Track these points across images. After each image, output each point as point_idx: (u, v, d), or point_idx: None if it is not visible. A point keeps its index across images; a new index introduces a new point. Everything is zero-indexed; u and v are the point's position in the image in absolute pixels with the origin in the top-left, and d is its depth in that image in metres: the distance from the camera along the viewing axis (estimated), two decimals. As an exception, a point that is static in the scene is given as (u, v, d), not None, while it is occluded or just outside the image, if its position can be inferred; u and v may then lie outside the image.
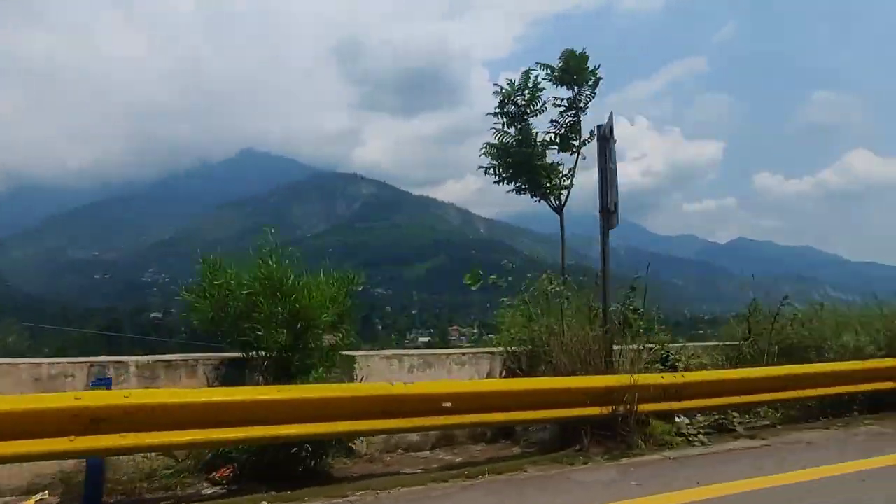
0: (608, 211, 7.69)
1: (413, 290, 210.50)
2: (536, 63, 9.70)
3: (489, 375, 7.96)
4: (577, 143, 9.77)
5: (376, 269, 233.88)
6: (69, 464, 5.16)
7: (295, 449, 5.49)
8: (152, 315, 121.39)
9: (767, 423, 8.15)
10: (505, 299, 8.93)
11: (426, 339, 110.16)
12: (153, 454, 5.42)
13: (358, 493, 5.01)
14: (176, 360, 6.35)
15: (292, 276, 6.32)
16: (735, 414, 7.79)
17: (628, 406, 6.37)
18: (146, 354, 6.86)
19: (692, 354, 8.40)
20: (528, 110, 9.75)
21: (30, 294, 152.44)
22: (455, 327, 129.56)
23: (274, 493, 5.02)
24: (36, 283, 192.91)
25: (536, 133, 9.83)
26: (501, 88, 9.67)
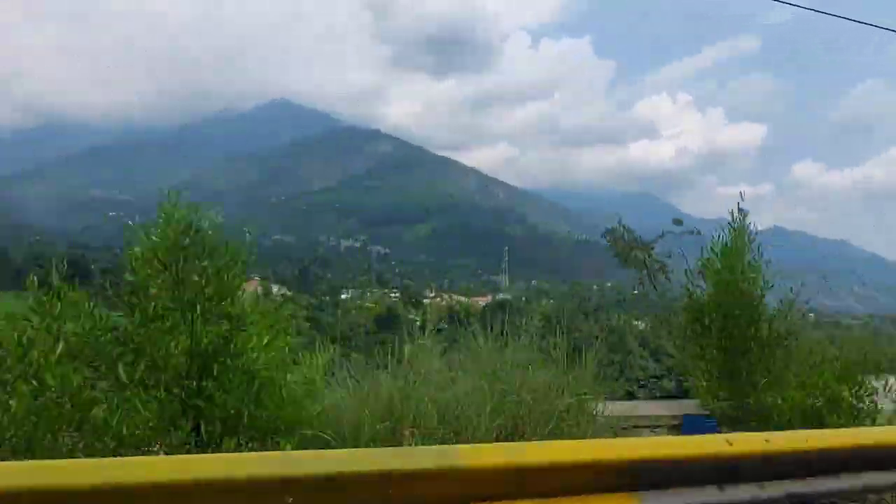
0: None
1: (413, 251, 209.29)
2: None
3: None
4: None
5: (378, 228, 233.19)
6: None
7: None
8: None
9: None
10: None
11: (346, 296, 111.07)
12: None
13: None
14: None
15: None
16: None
17: None
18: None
19: None
20: None
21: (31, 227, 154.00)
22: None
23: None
24: (46, 219, 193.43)
25: None
26: None
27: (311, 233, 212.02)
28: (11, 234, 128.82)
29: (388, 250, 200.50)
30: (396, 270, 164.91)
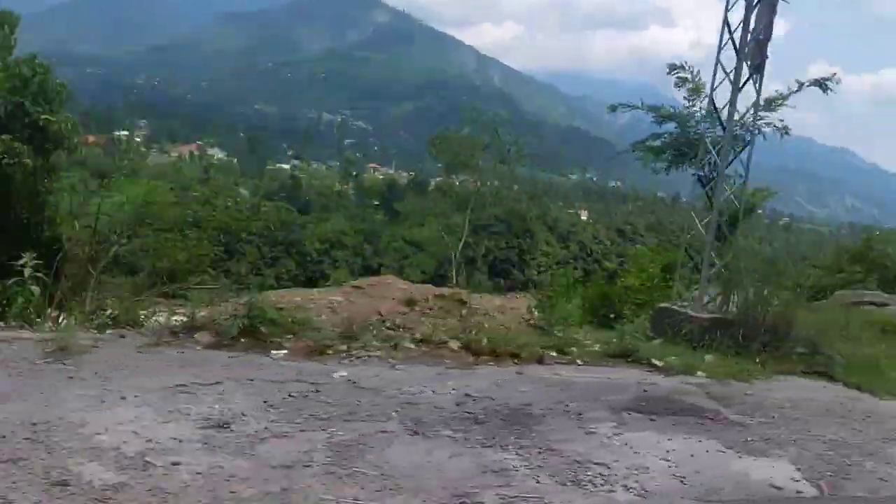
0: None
1: (395, 128, 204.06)
2: None
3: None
4: None
5: (365, 102, 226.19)
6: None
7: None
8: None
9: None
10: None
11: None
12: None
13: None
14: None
15: None
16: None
17: None
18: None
19: None
20: None
21: None
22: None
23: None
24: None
25: None
26: None
27: (295, 104, 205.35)
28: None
29: (369, 127, 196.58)
30: (375, 147, 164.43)
